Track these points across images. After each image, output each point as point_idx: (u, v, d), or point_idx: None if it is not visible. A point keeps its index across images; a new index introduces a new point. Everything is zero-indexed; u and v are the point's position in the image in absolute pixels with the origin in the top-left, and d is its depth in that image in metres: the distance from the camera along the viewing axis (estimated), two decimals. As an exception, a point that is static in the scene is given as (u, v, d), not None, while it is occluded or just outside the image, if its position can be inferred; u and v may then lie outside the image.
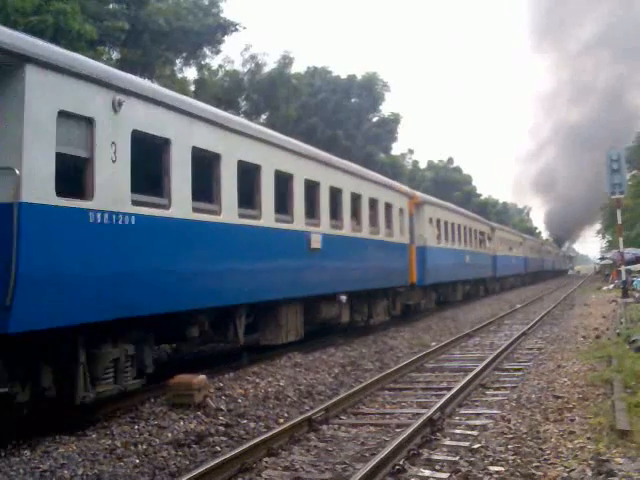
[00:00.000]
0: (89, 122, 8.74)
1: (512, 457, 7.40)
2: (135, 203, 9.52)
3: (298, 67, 59.14)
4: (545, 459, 7.33)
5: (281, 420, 9.51)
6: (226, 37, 35.66)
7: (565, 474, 6.78)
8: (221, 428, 8.85)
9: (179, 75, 36.76)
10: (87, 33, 22.10)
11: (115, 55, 30.15)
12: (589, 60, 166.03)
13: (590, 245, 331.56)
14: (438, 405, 9.56)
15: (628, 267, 36.91)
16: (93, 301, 8.72)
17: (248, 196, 12.84)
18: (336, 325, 17.99)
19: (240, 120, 14.19)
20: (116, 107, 9.17)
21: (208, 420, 9.17)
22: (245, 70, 41.75)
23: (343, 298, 17.38)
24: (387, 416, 9.90)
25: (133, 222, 9.41)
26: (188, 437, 8.34)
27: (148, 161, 10.07)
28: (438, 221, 27.92)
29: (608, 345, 15.27)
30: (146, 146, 9.93)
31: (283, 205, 14.22)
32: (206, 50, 36.42)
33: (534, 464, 7.16)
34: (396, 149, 67.65)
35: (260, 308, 13.71)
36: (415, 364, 14.18)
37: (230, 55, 79.25)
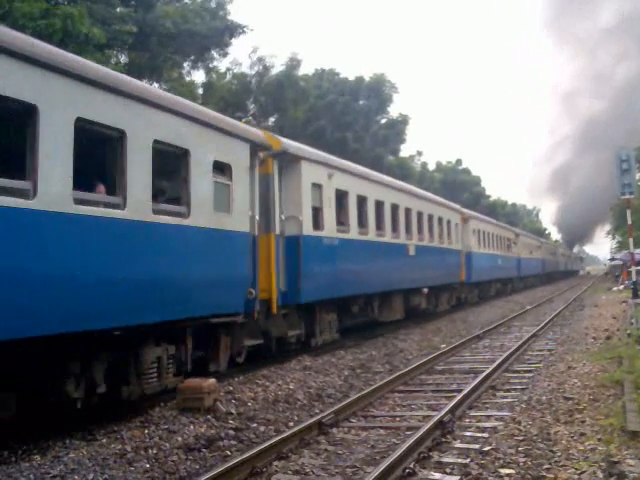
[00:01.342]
0: (320, 187, 15.88)
1: (523, 459, 7.37)
2: (338, 231, 16.72)
3: (306, 69, 59.22)
4: (556, 461, 7.30)
5: (291, 423, 9.52)
6: (233, 40, 35.63)
7: (576, 476, 6.75)
8: (231, 432, 8.86)
9: (187, 78, 36.81)
10: (95, 37, 22.13)
11: (123, 59, 30.21)
12: (609, 50, 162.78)
13: (600, 246, 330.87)
14: (448, 407, 9.54)
15: (639, 268, 36.71)
16: (326, 287, 15.74)
17: (379, 221, 19.72)
18: (417, 310, 24.13)
19: (379, 175, 21.50)
20: (330, 177, 16.31)
21: (218, 424, 9.17)
22: (253, 72, 41.80)
23: (425, 290, 24.03)
24: (397, 419, 9.88)
25: (337, 243, 16.57)
26: (198, 441, 8.35)
27: (339, 205, 17.04)
28: (479, 231, 34.98)
29: (619, 346, 15.18)
30: (339, 196, 16.98)
31: (395, 226, 21.12)
32: (214, 53, 36.39)
33: (545, 466, 7.13)
34: (404, 151, 67.68)
35: (381, 296, 20.09)
36: (425, 366, 14.16)
37: (238, 58, 79.09)
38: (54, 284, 7.92)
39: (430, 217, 25.18)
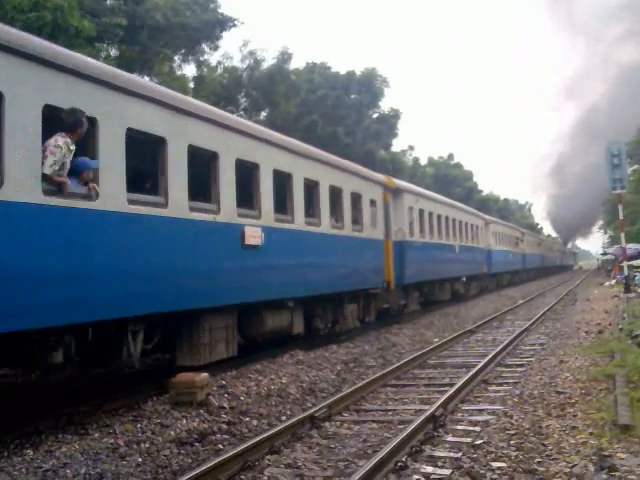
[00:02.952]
0: (412, 209, 23.14)
1: (514, 453, 7.38)
2: (420, 236, 24.03)
3: (297, 63, 58.99)
4: (547, 455, 7.32)
5: (283, 417, 9.52)
6: (224, 33, 35.59)
7: (567, 469, 6.76)
8: (223, 426, 8.85)
9: (178, 72, 36.64)
10: (85, 30, 22.02)
11: (113, 52, 30.04)
12: (614, 30, 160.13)
13: (592, 241, 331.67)
14: (440, 401, 9.55)
15: (630, 262, 36.87)
16: (415, 274, 22.88)
17: (439, 228, 27.50)
18: (457, 293, 31.54)
19: (442, 197, 31.15)
20: (416, 201, 23.93)
21: (210, 418, 9.15)
22: (244, 66, 41.63)
23: (464, 279, 32.13)
24: (389, 413, 9.90)
25: (419, 245, 23.86)
26: (191, 435, 8.33)
27: (420, 219, 24.56)
28: (496, 233, 43.01)
29: (610, 340, 15.24)
30: (420, 213, 24.56)
31: (447, 231, 29.01)
32: (204, 46, 36.27)
33: (536, 460, 7.14)
34: (396, 145, 67.47)
35: (439, 281, 27.73)
36: (417, 360, 14.18)
37: (229, 51, 78.64)
38: (328, 269, 16.08)
39: (466, 224, 33.45)
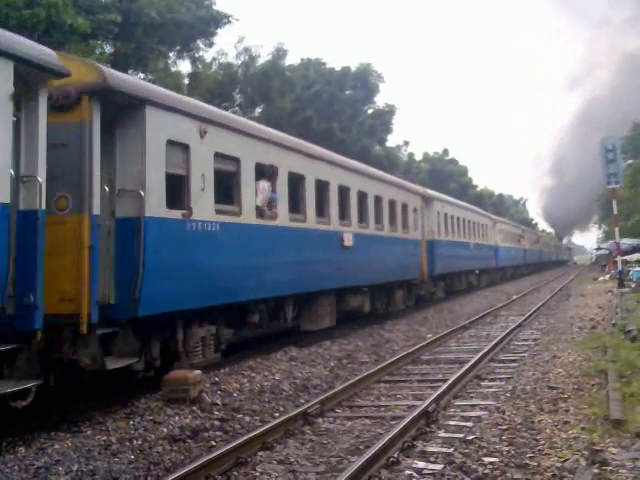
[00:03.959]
0: (439, 212, 29.00)
1: (506, 448, 7.42)
2: (445, 236, 29.84)
3: (292, 59, 58.58)
4: (539, 449, 7.35)
5: (276, 414, 9.51)
6: (219, 29, 35.34)
7: (559, 464, 6.79)
8: (216, 423, 8.85)
9: (172, 69, 36.50)
10: (80, 27, 21.93)
11: (108, 49, 29.91)
12: (615, 18, 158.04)
13: (586, 236, 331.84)
14: (433, 397, 9.57)
15: (624, 257, 36.92)
16: (442, 267, 27.97)
17: (459, 228, 32.98)
18: (472, 285, 36.86)
19: (463, 203, 38.11)
20: (442, 207, 29.53)
21: (203, 415, 9.16)
22: (239, 63, 41.48)
23: (477, 272, 37.74)
24: (382, 409, 9.91)
25: (445, 243, 29.09)
26: (183, 432, 8.34)
27: (445, 221, 30.26)
28: (502, 231, 47.95)
29: (604, 335, 15.27)
30: (445, 217, 30.15)
31: (465, 231, 34.45)
32: (199, 43, 36.05)
33: (528, 455, 7.18)
34: (391, 141, 67.47)
35: (456, 273, 32.64)
36: (411, 356, 14.18)
37: (224, 48, 78.47)
38: (387, 263, 20.98)
39: (478, 224, 38.74)
